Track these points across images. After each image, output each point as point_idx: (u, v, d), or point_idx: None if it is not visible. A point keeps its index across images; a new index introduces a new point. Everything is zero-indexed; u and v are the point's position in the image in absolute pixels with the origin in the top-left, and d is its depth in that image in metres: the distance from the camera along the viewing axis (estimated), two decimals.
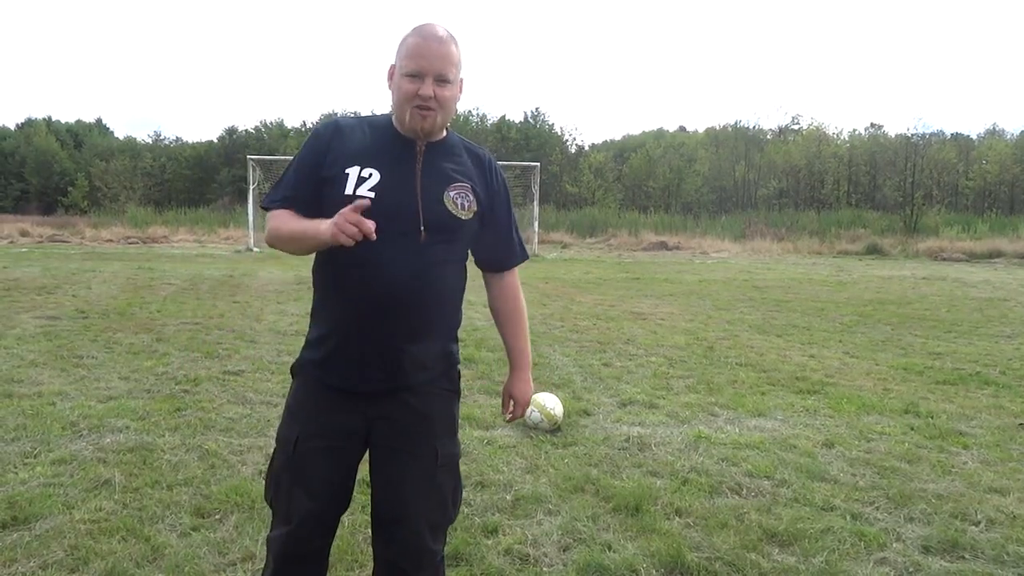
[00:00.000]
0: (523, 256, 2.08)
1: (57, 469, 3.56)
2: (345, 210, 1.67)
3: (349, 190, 1.80)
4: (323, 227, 1.70)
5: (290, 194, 1.88)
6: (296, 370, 1.96)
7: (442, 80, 1.80)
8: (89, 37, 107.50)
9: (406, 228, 1.80)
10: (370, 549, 2.81)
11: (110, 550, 2.76)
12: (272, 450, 1.99)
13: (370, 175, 1.82)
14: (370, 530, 2.01)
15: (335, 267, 1.84)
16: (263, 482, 2.07)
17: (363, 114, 1.96)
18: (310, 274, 1.95)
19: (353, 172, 1.82)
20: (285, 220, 1.85)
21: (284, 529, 1.92)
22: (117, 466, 3.61)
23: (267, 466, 2.02)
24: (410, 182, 1.83)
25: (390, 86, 1.88)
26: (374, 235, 1.66)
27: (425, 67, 1.79)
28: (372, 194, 1.78)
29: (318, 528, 1.94)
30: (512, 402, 2.13)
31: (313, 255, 1.89)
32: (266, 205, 1.93)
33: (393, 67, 1.87)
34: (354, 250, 1.73)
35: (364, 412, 1.87)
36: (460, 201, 1.86)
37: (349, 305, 1.84)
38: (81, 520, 3.00)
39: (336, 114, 56.88)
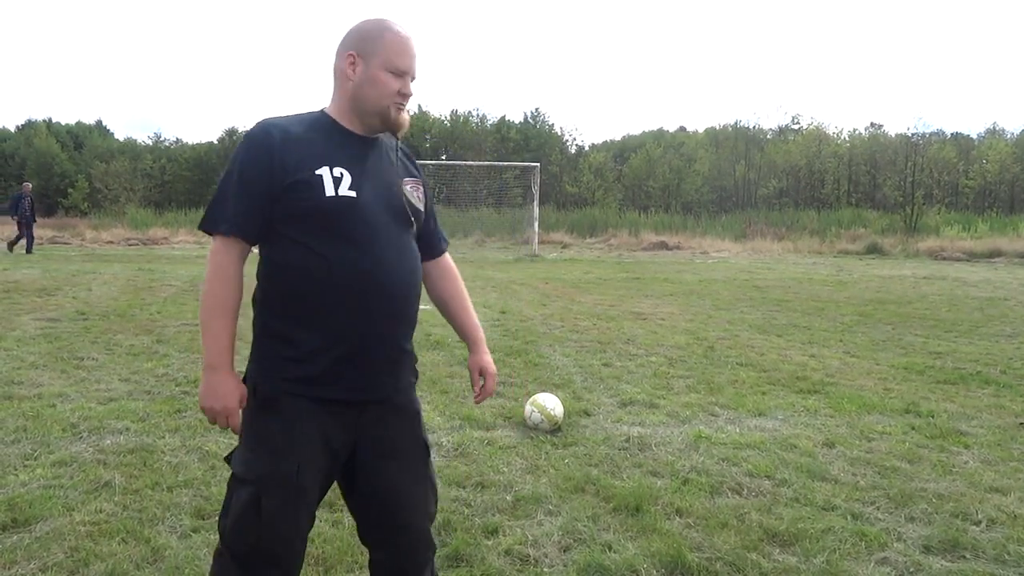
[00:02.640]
0: (446, 239, 2.13)
1: (57, 471, 3.55)
2: (233, 416, 1.75)
3: (330, 191, 1.73)
4: (215, 375, 1.74)
5: (241, 220, 1.74)
6: (281, 392, 1.75)
7: (413, 79, 1.85)
8: (89, 39, 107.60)
9: (392, 224, 1.82)
10: None
11: (110, 552, 2.76)
12: (244, 493, 1.75)
13: (341, 175, 1.76)
14: (363, 536, 1.96)
15: (340, 270, 1.73)
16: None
17: (285, 114, 1.86)
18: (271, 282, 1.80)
19: (325, 173, 1.74)
20: (224, 297, 1.74)
21: (282, 570, 1.80)
22: (117, 468, 3.61)
23: (239, 513, 1.75)
24: (381, 178, 1.83)
25: (351, 75, 1.79)
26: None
27: (410, 65, 1.81)
28: (353, 193, 1.76)
29: (301, 558, 1.86)
30: (483, 376, 2.11)
31: (283, 257, 1.76)
32: (215, 228, 1.75)
33: (355, 56, 1.79)
34: (360, 252, 1.74)
35: (357, 421, 1.81)
36: (416, 193, 1.91)
37: (359, 309, 1.75)
38: (81, 522, 3.00)
39: None
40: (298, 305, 1.75)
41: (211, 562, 1.90)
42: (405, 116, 1.83)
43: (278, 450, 1.74)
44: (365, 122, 1.83)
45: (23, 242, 19.38)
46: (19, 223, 19.53)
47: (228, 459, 1.85)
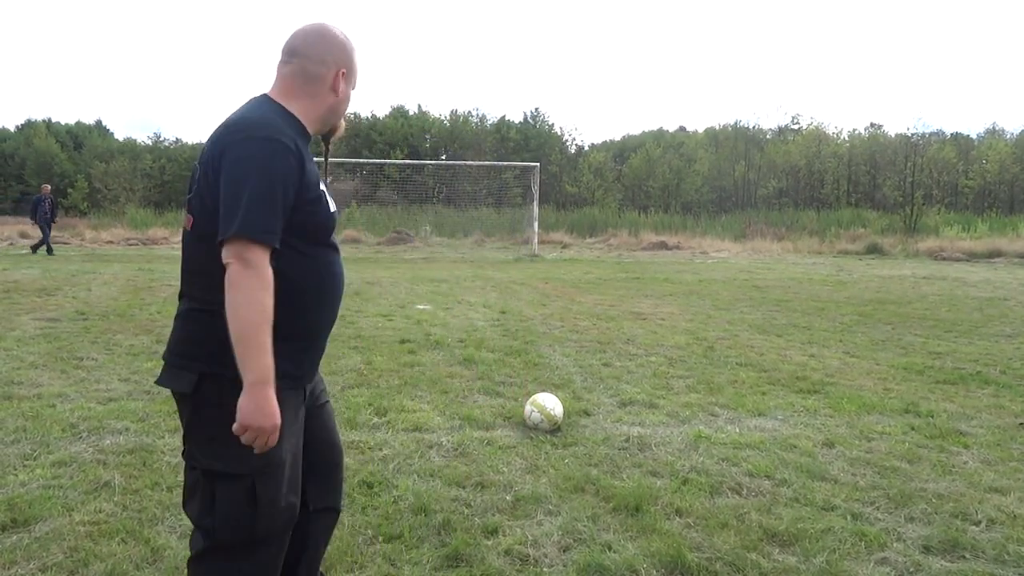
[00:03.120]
0: None
1: (57, 471, 3.55)
2: (276, 434, 1.71)
3: (332, 208, 1.89)
4: (266, 391, 1.65)
5: (280, 232, 1.71)
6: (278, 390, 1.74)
7: None
8: (89, 39, 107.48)
9: None
10: (370, 549, 2.82)
11: (110, 552, 2.76)
12: (235, 486, 1.79)
13: (327, 190, 1.87)
14: (312, 514, 2.08)
15: (328, 277, 1.89)
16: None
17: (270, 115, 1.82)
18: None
19: (324, 189, 1.86)
20: (270, 310, 1.67)
21: (275, 549, 1.89)
22: (117, 468, 3.61)
23: (231, 506, 1.80)
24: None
25: (339, 91, 1.89)
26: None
27: None
28: (336, 206, 1.93)
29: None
30: None
31: (285, 265, 1.75)
32: (268, 240, 1.68)
33: (345, 74, 1.89)
34: (335, 258, 1.94)
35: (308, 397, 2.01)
36: None
37: (331, 310, 1.96)
38: (81, 522, 3.00)
39: None
40: (296, 309, 1.80)
41: (190, 570, 1.91)
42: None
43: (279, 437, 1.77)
44: (321, 130, 1.94)
45: (48, 244, 19.29)
46: (39, 225, 19.39)
47: (191, 457, 1.86)
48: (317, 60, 1.84)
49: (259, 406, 1.65)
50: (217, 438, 1.74)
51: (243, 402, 1.66)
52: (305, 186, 1.76)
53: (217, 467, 1.78)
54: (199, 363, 1.76)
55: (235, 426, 1.67)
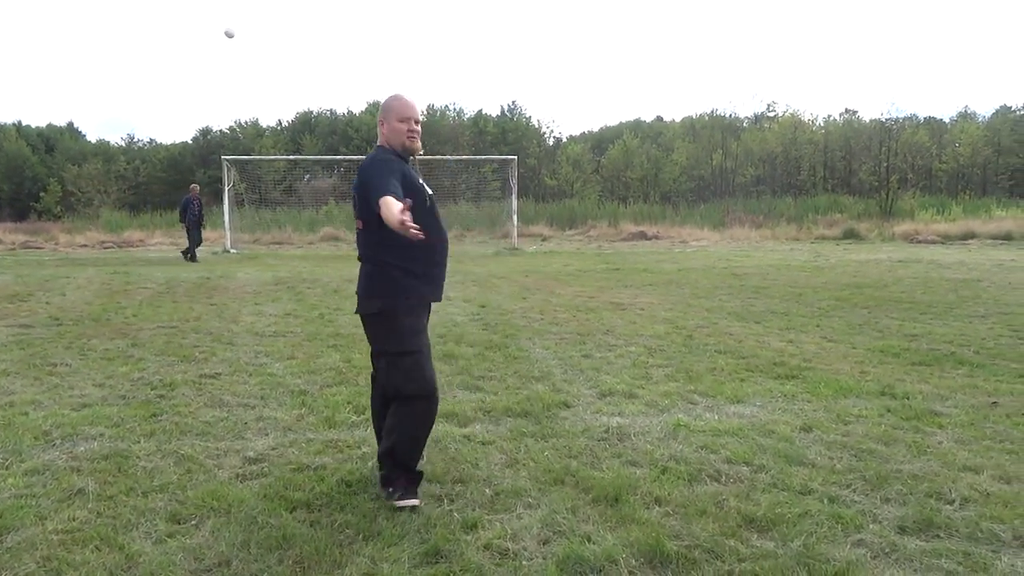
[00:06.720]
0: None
1: (30, 479, 3.50)
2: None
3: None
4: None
5: None
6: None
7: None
8: (59, 39, 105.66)
9: None
10: (350, 548, 2.81)
11: (84, 560, 2.72)
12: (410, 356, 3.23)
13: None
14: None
15: None
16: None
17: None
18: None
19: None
20: None
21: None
22: (91, 474, 3.56)
23: (409, 370, 3.29)
24: None
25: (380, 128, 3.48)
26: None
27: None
28: None
29: None
30: None
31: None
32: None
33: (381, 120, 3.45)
34: None
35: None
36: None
37: None
38: (54, 531, 2.95)
39: (312, 112, 56.44)
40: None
41: (398, 423, 3.24)
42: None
43: (422, 332, 3.29)
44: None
45: (198, 247, 18.30)
46: (187, 228, 18.19)
47: (382, 353, 3.29)
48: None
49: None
50: (391, 336, 3.24)
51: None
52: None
53: (400, 348, 3.21)
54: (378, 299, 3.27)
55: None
